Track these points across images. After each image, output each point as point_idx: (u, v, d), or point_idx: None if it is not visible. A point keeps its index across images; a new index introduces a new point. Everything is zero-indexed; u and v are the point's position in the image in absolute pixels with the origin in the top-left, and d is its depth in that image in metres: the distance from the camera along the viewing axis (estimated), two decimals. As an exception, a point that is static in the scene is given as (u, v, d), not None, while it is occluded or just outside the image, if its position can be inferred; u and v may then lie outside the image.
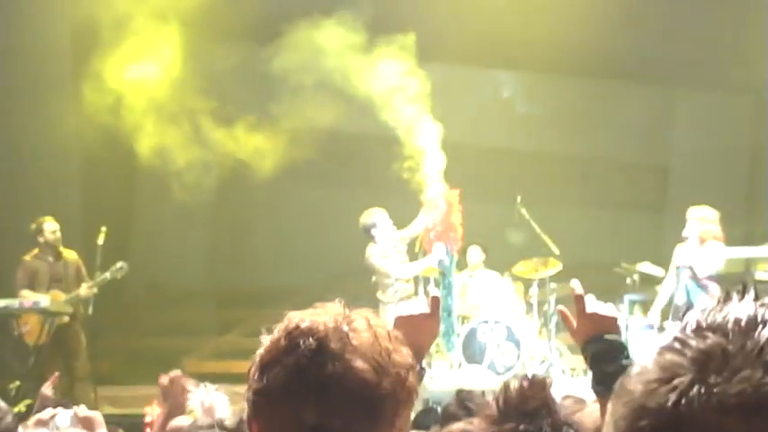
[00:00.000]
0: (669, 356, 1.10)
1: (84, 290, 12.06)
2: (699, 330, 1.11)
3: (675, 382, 1.07)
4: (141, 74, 13.25)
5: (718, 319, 1.12)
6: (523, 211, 12.92)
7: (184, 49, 13.29)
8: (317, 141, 14.32)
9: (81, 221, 14.29)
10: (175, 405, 6.46)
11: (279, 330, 1.97)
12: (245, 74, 13.29)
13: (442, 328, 11.37)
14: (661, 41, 15.56)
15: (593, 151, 16.68)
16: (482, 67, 16.64)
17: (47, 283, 12.13)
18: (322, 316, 1.98)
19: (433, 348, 11.69)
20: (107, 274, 12.08)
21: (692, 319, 1.14)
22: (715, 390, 1.05)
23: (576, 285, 3.13)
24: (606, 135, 16.60)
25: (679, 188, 16.16)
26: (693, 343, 1.10)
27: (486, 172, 15.03)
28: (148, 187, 15.51)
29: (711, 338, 1.09)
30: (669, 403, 1.05)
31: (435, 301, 2.96)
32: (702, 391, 1.05)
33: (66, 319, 12.05)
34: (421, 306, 2.95)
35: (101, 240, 12.30)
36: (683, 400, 1.05)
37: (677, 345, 1.11)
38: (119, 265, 12.15)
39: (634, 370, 1.12)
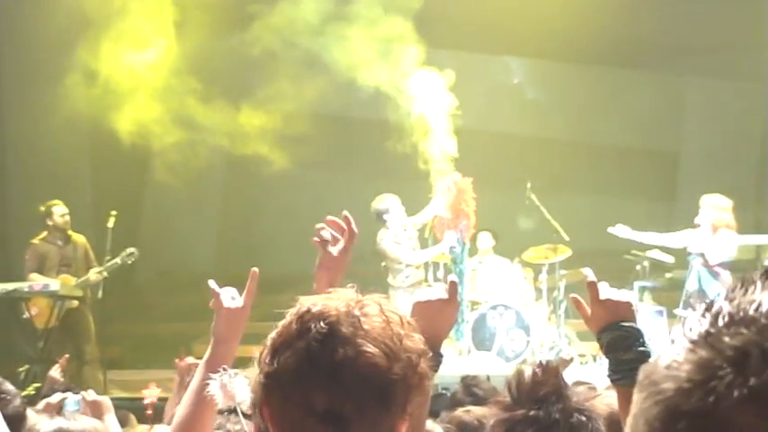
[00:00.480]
0: (703, 353, 1.05)
1: (95, 274, 12.05)
2: (731, 324, 1.06)
3: (713, 383, 1.03)
4: (146, 60, 13.26)
5: (750, 311, 1.06)
6: (533, 197, 12.89)
7: (184, 36, 13.30)
8: (328, 127, 14.34)
9: (91, 206, 14.31)
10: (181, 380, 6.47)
11: (291, 315, 1.96)
12: (249, 57, 13.24)
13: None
14: (671, 29, 15.51)
15: (603, 138, 16.64)
16: (492, 54, 16.61)
17: (56, 266, 12.12)
18: (334, 301, 1.96)
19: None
20: (117, 260, 12.07)
21: (722, 310, 1.08)
22: (755, 391, 1.01)
23: (588, 273, 3.09)
24: (617, 122, 16.56)
25: (689, 175, 16.13)
26: (727, 339, 1.05)
27: (496, 158, 15.00)
28: (158, 172, 15.50)
29: (746, 334, 1.04)
30: (708, 406, 1.02)
31: (453, 287, 2.93)
32: (744, 393, 1.01)
33: (75, 302, 12.04)
34: (439, 292, 2.93)
35: (111, 224, 12.29)
36: (723, 403, 1.02)
37: (711, 340, 1.07)
38: (129, 250, 12.13)
39: (662, 362, 1.08)
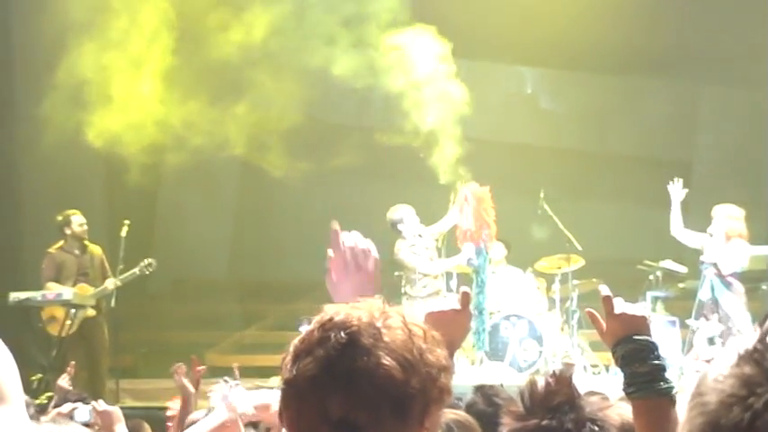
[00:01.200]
0: (747, 369, 1.06)
1: (112, 284, 12.09)
2: None
3: (751, 400, 1.03)
4: (147, 68, 13.30)
5: None
6: (546, 206, 12.88)
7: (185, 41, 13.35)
8: (341, 135, 14.35)
9: (103, 215, 14.34)
10: (186, 398, 6.52)
11: (315, 322, 1.97)
12: (257, 61, 13.26)
13: (473, 325, 11.42)
14: (685, 38, 15.50)
15: (615, 147, 16.63)
16: (506, 63, 16.61)
17: (74, 275, 12.14)
18: (358, 310, 1.97)
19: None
20: (136, 270, 12.15)
21: None
22: None
23: (603, 289, 3.11)
24: (629, 131, 16.54)
25: (702, 184, 16.07)
26: None
27: (509, 168, 14.99)
28: (171, 181, 15.53)
29: None
30: (744, 423, 1.02)
31: (466, 297, 2.95)
32: None
33: (91, 311, 12.07)
34: (451, 302, 2.94)
35: (124, 233, 12.34)
36: (759, 422, 1.02)
37: (757, 356, 1.07)
38: (147, 261, 12.21)
39: (711, 374, 1.08)
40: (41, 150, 13.09)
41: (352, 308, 1.99)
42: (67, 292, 11.83)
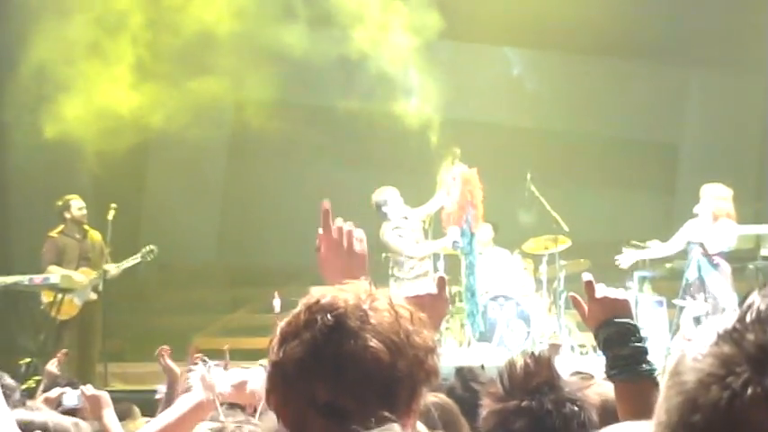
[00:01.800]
0: (726, 349, 1.06)
1: (115, 269, 12.14)
2: (758, 322, 1.07)
3: (730, 379, 1.03)
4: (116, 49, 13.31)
5: None
6: (533, 188, 12.89)
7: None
8: (330, 121, 14.34)
9: (91, 200, 14.32)
10: (172, 380, 6.52)
11: (301, 305, 1.97)
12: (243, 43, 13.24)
13: (466, 308, 11.45)
14: (673, 19, 15.49)
15: (603, 130, 16.61)
16: (491, 45, 16.57)
17: (76, 259, 12.17)
18: (344, 293, 1.97)
19: (443, 326, 11.72)
20: (138, 256, 12.25)
21: (752, 306, 1.09)
22: None
23: (585, 275, 3.14)
24: (617, 113, 16.53)
25: (689, 167, 16.11)
26: (752, 337, 1.05)
27: (495, 150, 14.94)
28: (159, 165, 15.51)
29: None
30: (722, 402, 1.02)
31: (441, 281, 2.95)
32: (758, 391, 1.02)
33: (93, 295, 12.10)
34: (428, 286, 2.94)
35: (110, 217, 12.35)
36: (737, 401, 1.03)
37: (736, 335, 1.06)
38: (149, 248, 12.31)
39: (689, 353, 1.09)
40: (28, 136, 13.07)
41: (338, 290, 1.98)
42: (54, 277, 11.83)
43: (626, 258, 11.56)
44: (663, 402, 1.11)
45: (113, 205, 12.42)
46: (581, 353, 11.93)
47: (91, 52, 13.23)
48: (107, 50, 13.29)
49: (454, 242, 11.61)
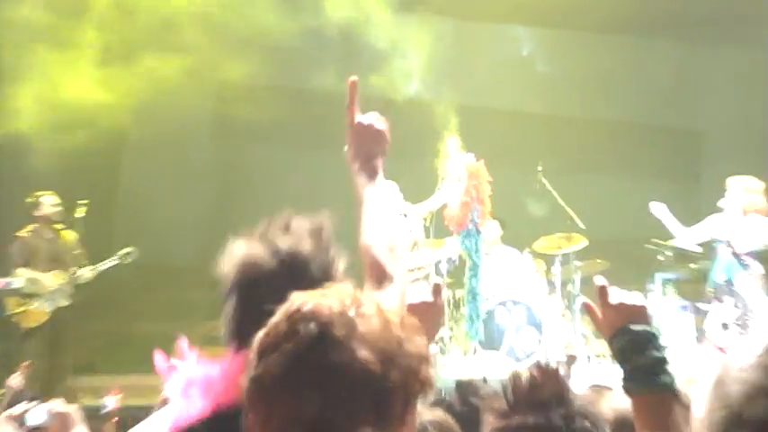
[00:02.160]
0: None
1: (89, 272, 12.14)
2: None
3: None
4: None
5: None
6: (545, 180, 12.88)
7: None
8: (321, 105, 14.31)
9: (64, 198, 14.35)
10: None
11: (280, 313, 1.95)
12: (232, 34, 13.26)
13: (465, 312, 11.43)
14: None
15: (620, 115, 16.62)
16: (498, 23, 16.57)
17: (45, 261, 12.15)
18: (328, 299, 1.95)
19: (447, 333, 11.71)
20: (115, 258, 12.23)
21: None
22: None
23: (598, 279, 3.12)
24: (635, 96, 16.55)
25: (714, 155, 16.11)
26: None
27: (502, 138, 14.97)
28: (133, 158, 15.49)
29: None
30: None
31: (437, 288, 2.94)
32: None
33: (64, 302, 12.08)
34: (423, 293, 2.93)
35: (80, 214, 12.34)
36: None
37: None
38: (127, 249, 12.30)
39: (734, 365, 1.08)
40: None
41: (320, 296, 1.96)
42: (19, 281, 11.82)
43: (656, 209, 11.40)
44: (706, 415, 1.10)
45: (83, 201, 12.40)
46: (599, 363, 11.91)
47: (47, 37, 13.27)
48: (66, 35, 13.31)
49: (449, 258, 11.69)
